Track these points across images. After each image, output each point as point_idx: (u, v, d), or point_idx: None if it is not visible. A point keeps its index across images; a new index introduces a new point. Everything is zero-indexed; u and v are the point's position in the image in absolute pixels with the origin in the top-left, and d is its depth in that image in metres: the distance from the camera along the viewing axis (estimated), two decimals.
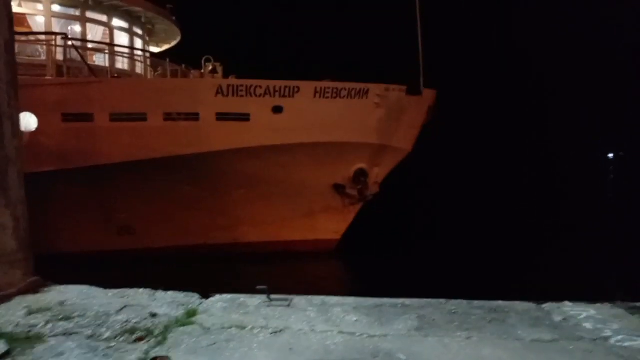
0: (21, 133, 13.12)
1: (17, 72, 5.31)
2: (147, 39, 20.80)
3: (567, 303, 4.93)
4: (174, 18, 20.70)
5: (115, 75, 16.69)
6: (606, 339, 4.13)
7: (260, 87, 15.04)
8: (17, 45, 15.68)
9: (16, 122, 5.22)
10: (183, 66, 18.33)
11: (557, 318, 4.62)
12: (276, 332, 4.27)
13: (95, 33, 17.71)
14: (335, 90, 15.60)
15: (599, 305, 4.84)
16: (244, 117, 15.09)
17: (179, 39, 22.73)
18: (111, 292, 5.12)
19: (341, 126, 15.62)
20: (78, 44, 15.67)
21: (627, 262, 13.47)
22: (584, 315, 4.62)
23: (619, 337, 4.12)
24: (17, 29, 15.66)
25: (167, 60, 17.41)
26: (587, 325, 4.41)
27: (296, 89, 15.26)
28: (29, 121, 13.26)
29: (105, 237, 15.09)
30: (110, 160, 14.23)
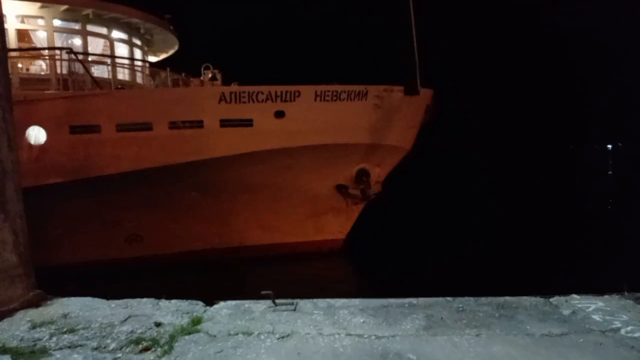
0: (29, 146, 13.22)
1: (11, 86, 5.29)
2: (146, 49, 20.86)
3: (574, 296, 4.87)
4: (171, 27, 20.76)
5: (118, 86, 16.77)
6: (616, 330, 4.06)
7: (262, 92, 15.10)
8: (22, 61, 15.69)
9: (12, 136, 5.20)
10: (183, 74, 18.37)
11: (566, 311, 4.55)
12: (283, 337, 4.22)
13: (96, 45, 17.80)
14: (335, 93, 15.63)
15: (606, 296, 4.77)
16: (248, 123, 15.16)
17: (176, 47, 22.79)
18: (114, 303, 5.09)
19: (342, 128, 15.65)
20: (81, 57, 15.72)
21: (633, 252, 13.34)
22: (592, 307, 4.55)
23: (629, 328, 4.05)
24: (20, 44, 15.76)
25: (168, 69, 17.43)
26: (596, 318, 4.33)
27: (297, 93, 15.30)
28: (37, 135, 13.42)
29: (113, 246, 15.17)
30: (118, 170, 14.29)
